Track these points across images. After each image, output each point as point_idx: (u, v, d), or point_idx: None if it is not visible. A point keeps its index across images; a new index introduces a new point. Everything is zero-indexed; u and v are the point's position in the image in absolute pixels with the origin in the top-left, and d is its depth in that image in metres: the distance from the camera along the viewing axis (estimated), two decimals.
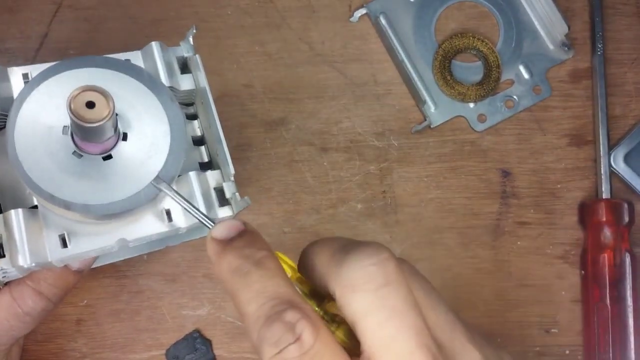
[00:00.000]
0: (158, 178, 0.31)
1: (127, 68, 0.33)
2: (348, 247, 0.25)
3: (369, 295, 0.23)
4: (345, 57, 0.53)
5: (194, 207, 0.31)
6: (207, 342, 0.49)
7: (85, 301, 0.48)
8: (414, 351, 0.23)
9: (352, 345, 0.26)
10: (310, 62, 0.53)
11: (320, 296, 0.28)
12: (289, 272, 0.28)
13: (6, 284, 0.37)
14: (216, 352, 0.49)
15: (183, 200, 0.31)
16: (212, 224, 0.29)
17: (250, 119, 0.52)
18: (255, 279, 0.25)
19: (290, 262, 0.29)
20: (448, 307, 0.27)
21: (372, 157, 0.52)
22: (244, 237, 0.26)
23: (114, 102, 0.28)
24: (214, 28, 0.52)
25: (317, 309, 0.27)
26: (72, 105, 0.28)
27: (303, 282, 0.28)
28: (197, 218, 0.30)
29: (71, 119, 0.28)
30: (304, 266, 0.28)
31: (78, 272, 0.37)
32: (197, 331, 0.49)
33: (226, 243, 0.26)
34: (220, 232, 0.26)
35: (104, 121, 0.28)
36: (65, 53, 0.51)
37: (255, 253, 0.26)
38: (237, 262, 0.25)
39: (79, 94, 0.28)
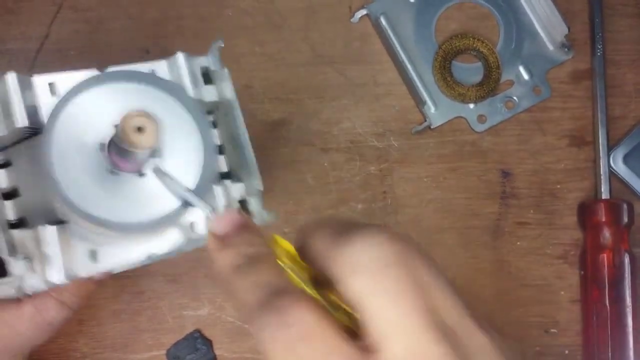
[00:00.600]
0: (157, 168, 0.31)
1: (160, 83, 0.32)
2: (348, 228, 0.24)
3: (371, 276, 0.23)
4: (345, 57, 0.53)
5: (191, 192, 0.30)
6: (208, 342, 0.49)
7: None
8: (424, 330, 0.22)
9: (355, 331, 0.24)
10: (311, 62, 0.53)
11: (320, 282, 0.27)
12: (286, 258, 0.28)
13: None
14: (217, 352, 0.49)
15: (180, 186, 0.31)
16: (210, 209, 0.30)
17: (250, 120, 0.51)
18: (248, 272, 0.25)
19: (289, 246, 0.28)
20: (455, 290, 0.25)
21: (372, 157, 0.52)
22: (240, 233, 0.27)
23: (160, 127, 0.29)
24: (214, 28, 0.52)
25: (317, 296, 0.26)
26: (123, 127, 0.28)
27: (302, 267, 0.28)
28: (196, 204, 0.30)
29: (118, 140, 0.28)
30: (302, 250, 0.27)
31: (98, 280, 0.38)
32: (198, 331, 0.49)
33: (225, 239, 0.27)
34: (219, 227, 0.27)
35: (151, 149, 0.28)
36: (66, 54, 0.51)
37: (250, 249, 0.26)
38: (236, 260, 0.26)
39: (130, 117, 0.28)
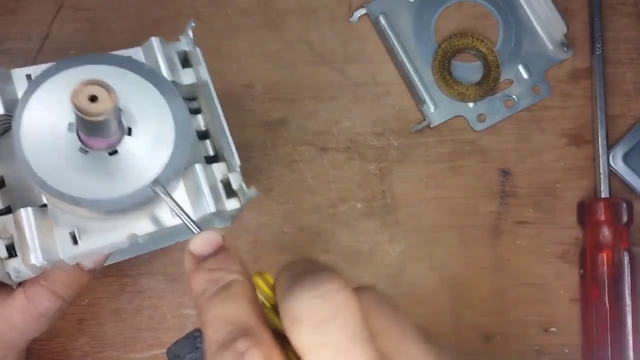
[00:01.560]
0: (155, 181, 0.31)
1: (129, 64, 0.33)
2: (301, 275, 0.23)
3: (311, 330, 0.22)
4: (345, 57, 0.53)
5: (185, 213, 0.30)
6: None
7: (87, 300, 0.49)
8: None
9: None
10: (310, 62, 0.53)
11: None
12: (270, 295, 0.27)
13: (20, 284, 0.37)
14: None
15: (175, 205, 0.31)
16: (198, 231, 0.29)
17: (250, 119, 0.52)
18: (217, 302, 0.24)
19: (272, 281, 0.27)
20: (423, 336, 0.24)
21: (372, 156, 0.52)
22: (217, 257, 0.26)
23: (116, 94, 0.28)
24: (214, 28, 0.52)
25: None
26: (75, 100, 0.28)
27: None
28: (185, 223, 0.30)
29: (75, 113, 0.28)
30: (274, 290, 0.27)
31: (91, 271, 0.38)
32: (198, 330, 0.49)
33: (200, 260, 0.26)
34: (197, 246, 0.26)
35: (108, 114, 0.28)
36: (66, 53, 0.51)
37: (224, 276, 0.25)
38: (205, 285, 0.25)
39: (81, 88, 0.28)
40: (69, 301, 0.38)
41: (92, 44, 0.51)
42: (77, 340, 0.48)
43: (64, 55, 0.51)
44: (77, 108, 0.28)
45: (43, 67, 0.34)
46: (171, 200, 0.31)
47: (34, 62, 0.51)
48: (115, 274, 0.49)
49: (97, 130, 0.30)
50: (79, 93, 0.28)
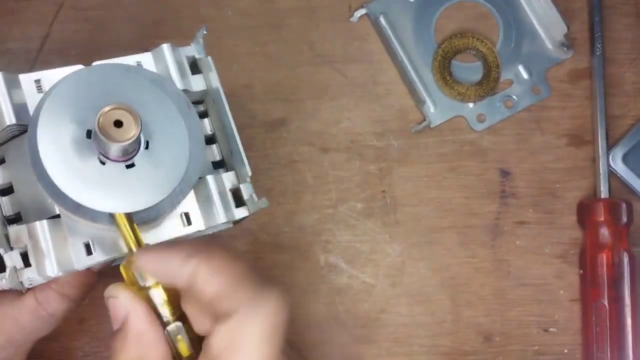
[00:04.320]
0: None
1: (144, 75, 0.33)
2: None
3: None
4: (345, 57, 0.53)
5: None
6: None
7: (88, 300, 0.49)
8: None
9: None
10: (310, 62, 0.53)
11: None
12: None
13: (29, 288, 0.37)
14: None
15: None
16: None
17: (250, 120, 0.52)
18: None
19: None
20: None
21: (371, 157, 0.52)
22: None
23: (141, 122, 0.29)
24: (215, 28, 0.52)
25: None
26: (100, 122, 0.28)
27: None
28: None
29: (98, 136, 0.28)
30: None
31: (98, 272, 0.38)
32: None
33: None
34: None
35: (131, 141, 0.29)
36: (67, 54, 0.51)
37: None
38: None
39: (108, 111, 0.28)
40: (77, 302, 0.38)
41: (93, 44, 0.52)
42: (78, 340, 0.49)
43: (65, 55, 0.51)
44: (102, 132, 0.28)
45: (53, 72, 0.33)
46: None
47: (35, 62, 0.51)
48: (115, 274, 0.49)
49: (116, 151, 0.30)
50: (105, 116, 0.28)
